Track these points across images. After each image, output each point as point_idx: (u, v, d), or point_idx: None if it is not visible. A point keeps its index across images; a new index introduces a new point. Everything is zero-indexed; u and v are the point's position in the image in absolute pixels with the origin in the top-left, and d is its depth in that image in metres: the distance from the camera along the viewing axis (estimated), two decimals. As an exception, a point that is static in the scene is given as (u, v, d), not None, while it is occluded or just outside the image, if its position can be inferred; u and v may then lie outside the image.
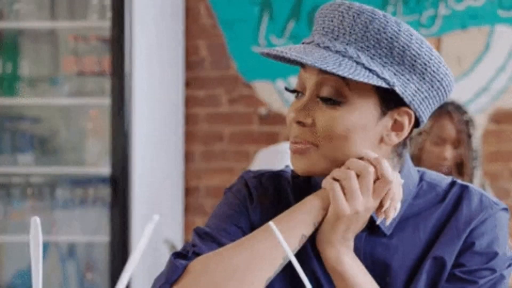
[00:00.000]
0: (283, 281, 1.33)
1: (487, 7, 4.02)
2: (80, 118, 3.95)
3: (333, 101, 1.29)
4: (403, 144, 1.35)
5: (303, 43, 1.34)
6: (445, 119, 2.94)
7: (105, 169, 3.74)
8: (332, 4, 1.32)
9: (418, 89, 1.30)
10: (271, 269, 1.27)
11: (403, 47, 1.28)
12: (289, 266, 1.28)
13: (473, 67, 4.03)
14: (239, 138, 4.17)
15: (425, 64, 1.29)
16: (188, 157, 4.21)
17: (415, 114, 1.32)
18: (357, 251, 1.32)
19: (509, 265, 1.34)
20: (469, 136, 2.93)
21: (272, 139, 4.08)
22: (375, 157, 1.29)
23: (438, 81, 1.31)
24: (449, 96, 1.37)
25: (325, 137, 1.29)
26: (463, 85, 4.00)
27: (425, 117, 1.33)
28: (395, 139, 1.32)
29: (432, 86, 1.31)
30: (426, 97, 1.31)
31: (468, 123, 2.94)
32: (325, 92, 1.29)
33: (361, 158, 1.30)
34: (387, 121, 1.31)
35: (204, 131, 4.20)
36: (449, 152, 2.92)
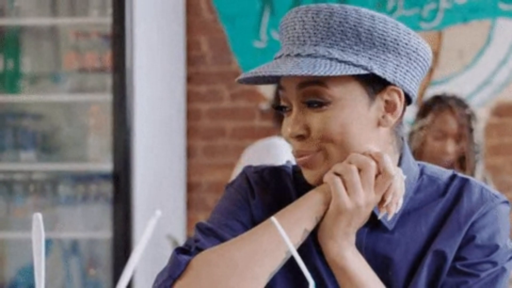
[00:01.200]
0: (285, 276, 1.33)
1: (488, 1, 4.02)
2: (82, 115, 3.95)
3: (320, 103, 1.30)
4: (400, 123, 1.36)
5: (274, 58, 1.35)
6: (446, 113, 2.94)
7: (107, 165, 3.75)
8: (290, 13, 1.34)
9: (397, 65, 1.31)
10: (274, 264, 1.28)
11: (368, 30, 1.29)
12: (291, 260, 1.29)
13: (475, 61, 4.03)
14: (241, 134, 4.17)
15: (395, 40, 1.30)
16: (190, 152, 4.21)
17: (403, 90, 1.32)
18: (359, 245, 1.33)
19: (510, 258, 1.34)
20: (471, 130, 2.93)
21: (273, 134, 4.08)
22: (377, 151, 1.29)
23: (414, 51, 1.32)
24: (431, 64, 1.37)
25: (324, 140, 1.30)
26: (464, 78, 4.00)
27: (414, 91, 1.34)
28: (391, 119, 1.33)
29: (410, 59, 1.32)
30: (407, 70, 1.32)
31: (469, 117, 2.94)
32: (309, 97, 1.30)
33: (363, 153, 1.30)
34: (379, 104, 1.32)
35: (206, 127, 4.20)
36: (451, 146, 2.92)
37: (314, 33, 1.30)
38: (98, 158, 3.88)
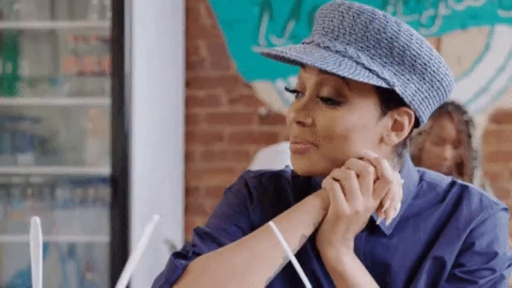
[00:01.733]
0: (283, 281, 1.33)
1: (487, 7, 4.03)
2: (80, 118, 3.95)
3: (333, 101, 1.29)
4: (403, 144, 1.35)
5: (303, 43, 1.34)
6: (445, 119, 2.94)
7: (105, 169, 3.74)
8: (332, 4, 1.32)
9: (418, 89, 1.30)
10: (271, 269, 1.27)
11: (403, 47, 1.28)
12: (289, 266, 1.28)
13: (473, 67, 4.03)
14: (239, 138, 4.17)
15: (425, 64, 1.29)
16: (188, 157, 4.21)
17: (415, 114, 1.32)
18: (357, 251, 1.32)
19: (509, 265, 1.34)
20: (469, 136, 2.93)
21: (272, 139, 4.08)
22: (375, 157, 1.29)
23: (438, 81, 1.31)
24: (449, 96, 1.37)
25: (325, 137, 1.30)
26: (463, 85, 4.00)
27: (425, 117, 1.33)
28: (395, 139, 1.32)
29: (432, 86, 1.31)
30: (426, 97, 1.31)
31: (468, 123, 2.94)
32: (325, 92, 1.29)
33: (361, 158, 1.30)
34: (387, 121, 1.31)
35: (204, 131, 4.20)
36: (449, 152, 2.92)
37: (350, 32, 1.29)
38: (96, 162, 3.88)
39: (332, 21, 1.30)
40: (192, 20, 4.21)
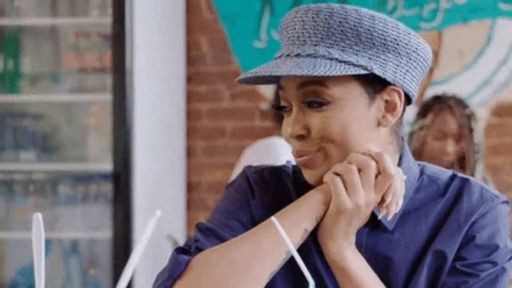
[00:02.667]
0: (285, 276, 1.33)
1: (489, 1, 4.02)
2: (82, 115, 3.95)
3: (319, 103, 1.30)
4: (399, 124, 1.36)
5: (274, 58, 1.35)
6: (446, 113, 2.93)
7: (107, 165, 3.75)
8: (290, 13, 1.34)
9: (397, 65, 1.31)
10: (274, 264, 1.27)
11: (368, 30, 1.29)
12: (291, 260, 1.28)
13: (475, 61, 4.03)
14: (241, 134, 4.17)
15: (395, 40, 1.30)
16: (190, 152, 4.21)
17: (403, 90, 1.32)
18: (359, 245, 1.33)
19: (510, 258, 1.34)
20: (471, 130, 2.93)
21: (273, 134, 4.08)
22: (377, 151, 1.29)
23: (414, 51, 1.32)
24: (430, 63, 1.37)
25: (324, 140, 1.30)
26: (464, 78, 4.00)
27: (414, 91, 1.34)
28: (391, 119, 1.33)
29: (410, 59, 1.32)
30: (407, 70, 1.32)
31: (469, 117, 2.94)
32: (309, 97, 1.30)
33: (363, 153, 1.30)
34: (379, 104, 1.32)
35: (206, 127, 4.20)
36: (451, 146, 2.92)
37: (314, 33, 1.30)
38: (98, 158, 3.88)
39: (294, 29, 1.32)
40: (193, 15, 4.21)
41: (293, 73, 1.26)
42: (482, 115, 3.86)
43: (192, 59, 4.20)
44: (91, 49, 3.89)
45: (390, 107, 1.33)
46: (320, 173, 1.32)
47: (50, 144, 3.96)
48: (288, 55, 1.31)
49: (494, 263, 1.32)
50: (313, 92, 1.30)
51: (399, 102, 1.33)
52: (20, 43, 3.97)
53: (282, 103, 1.35)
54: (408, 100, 1.35)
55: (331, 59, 1.28)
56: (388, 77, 1.30)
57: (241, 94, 4.17)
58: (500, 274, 1.32)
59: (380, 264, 1.33)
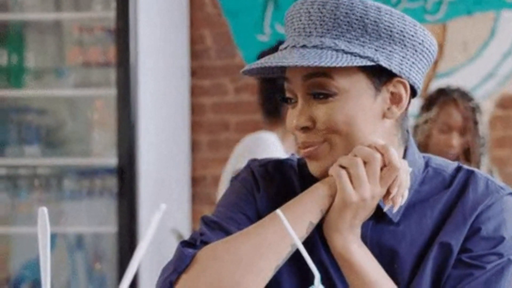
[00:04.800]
0: (291, 269, 1.33)
1: (493, -7, 4.01)
2: (86, 109, 3.95)
3: (325, 95, 1.30)
4: (405, 116, 1.35)
5: (280, 50, 1.34)
6: (451, 106, 2.93)
7: (111, 160, 3.75)
8: (296, 5, 1.34)
9: (403, 57, 1.31)
10: (279, 257, 1.27)
11: (375, 21, 1.29)
12: (296, 254, 1.28)
13: (479, 53, 4.02)
14: (245, 127, 4.17)
15: (401, 32, 1.30)
16: (194, 146, 4.21)
17: (408, 82, 1.32)
18: (364, 238, 1.32)
19: (516, 250, 1.34)
20: (476, 122, 2.93)
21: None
22: (382, 144, 1.29)
23: (420, 43, 1.32)
24: (435, 55, 1.37)
25: (329, 132, 1.30)
26: (469, 71, 3.99)
27: (419, 83, 1.34)
28: (396, 111, 1.33)
29: (416, 51, 1.32)
30: (413, 62, 1.32)
31: (474, 109, 2.94)
32: (315, 88, 1.30)
33: (369, 146, 1.30)
34: (384, 96, 1.32)
35: (210, 121, 4.20)
36: (456, 139, 2.92)
37: (320, 24, 1.30)
38: (102, 152, 3.88)
39: (300, 20, 1.32)
40: (196, 9, 4.20)
41: (299, 64, 1.26)
42: (486, 108, 3.86)
43: (196, 53, 4.20)
44: (95, 43, 3.89)
45: (395, 99, 1.32)
46: (325, 165, 1.31)
47: (55, 139, 3.96)
48: (294, 46, 1.31)
49: (500, 255, 1.31)
50: (319, 84, 1.30)
51: (405, 94, 1.33)
52: (24, 38, 3.97)
53: (287, 95, 1.34)
54: (413, 92, 1.35)
55: (337, 50, 1.28)
56: (394, 68, 1.30)
57: (245, 88, 4.17)
58: (506, 265, 1.32)
59: (386, 256, 1.33)
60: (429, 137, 2.94)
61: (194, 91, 4.20)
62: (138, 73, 3.70)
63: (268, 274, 1.27)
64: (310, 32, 1.31)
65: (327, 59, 1.26)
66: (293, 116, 1.32)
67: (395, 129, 1.35)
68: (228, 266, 1.26)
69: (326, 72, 1.29)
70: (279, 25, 4.13)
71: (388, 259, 1.33)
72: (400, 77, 1.31)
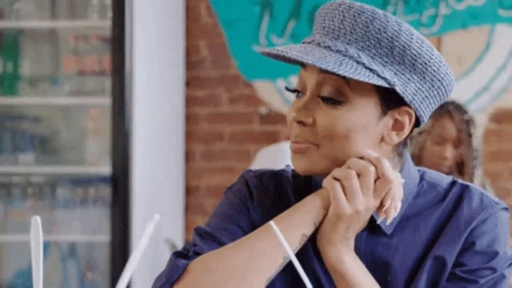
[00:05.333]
0: (283, 280, 1.33)
1: (488, 7, 4.02)
2: (81, 118, 3.95)
3: (334, 101, 1.29)
4: (404, 143, 1.35)
5: (303, 42, 1.34)
6: (445, 119, 2.94)
7: (105, 169, 3.75)
8: (332, 4, 1.32)
9: (419, 88, 1.30)
10: (272, 269, 1.27)
11: (403, 46, 1.28)
12: (289, 265, 1.28)
13: (474, 67, 4.03)
14: (240, 138, 4.17)
15: (425, 64, 1.29)
16: (188, 156, 4.21)
17: (415, 113, 1.32)
18: (358, 250, 1.32)
19: (509, 265, 1.34)
20: (470, 135, 2.93)
21: (272, 138, 4.08)
22: (375, 156, 1.29)
23: (439, 80, 1.31)
24: (450, 96, 1.37)
25: (325, 137, 1.30)
26: (463, 84, 4.00)
27: (425, 117, 1.34)
28: (395, 138, 1.32)
29: (433, 86, 1.31)
30: (426, 96, 1.31)
31: (468, 122, 2.94)
32: (326, 91, 1.30)
33: (362, 158, 1.30)
34: (388, 120, 1.31)
35: (205, 131, 4.20)
36: (449, 152, 2.92)
37: (351, 32, 1.29)
38: (96, 161, 3.88)
39: (332, 21, 1.31)
40: (192, 19, 4.21)
41: (318, 65, 1.25)
42: (480, 121, 3.87)
43: (191, 63, 4.20)
44: (90, 52, 3.89)
45: (397, 126, 1.32)
46: (309, 161, 1.31)
47: (49, 147, 3.96)
48: (319, 44, 1.30)
49: (494, 270, 1.32)
50: (331, 88, 1.29)
51: (408, 124, 1.32)
52: (19, 45, 3.97)
53: (297, 87, 1.34)
54: (417, 123, 1.34)
55: (358, 62, 1.28)
56: (407, 97, 1.30)
57: (240, 98, 4.17)
58: (499, 280, 1.32)
59: (379, 269, 1.33)
60: (423, 148, 2.95)
61: (189, 101, 4.20)
62: (133, 82, 3.70)
63: (260, 286, 1.27)
64: (338, 35, 1.30)
65: (346, 69, 1.26)
66: (296, 107, 1.32)
67: (392, 154, 1.34)
68: (221, 277, 1.26)
69: (342, 80, 1.28)
70: (274, 36, 4.13)
71: (381, 272, 1.33)
72: (409, 107, 1.31)
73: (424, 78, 1.30)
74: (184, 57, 4.19)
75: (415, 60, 1.29)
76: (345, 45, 1.29)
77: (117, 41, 3.69)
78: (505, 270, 1.33)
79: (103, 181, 3.80)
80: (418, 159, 2.90)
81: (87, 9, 3.90)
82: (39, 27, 3.97)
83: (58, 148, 3.95)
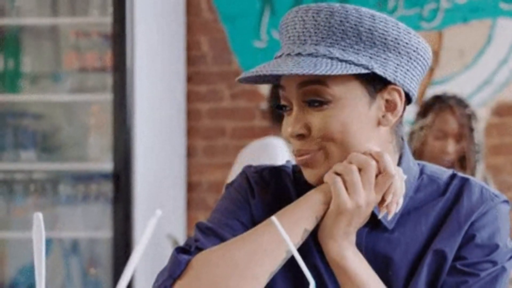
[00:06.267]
0: (285, 275, 1.33)
1: (489, 0, 4.02)
2: (82, 114, 3.95)
3: (320, 102, 1.30)
4: (399, 123, 1.36)
5: (275, 57, 1.34)
6: (447, 113, 2.93)
7: (107, 165, 3.75)
8: (290, 13, 1.34)
9: (398, 64, 1.31)
10: (274, 264, 1.27)
11: (369, 29, 1.29)
12: (291, 260, 1.28)
13: (475, 61, 4.03)
14: (241, 133, 4.17)
15: (396, 39, 1.30)
16: (190, 152, 4.21)
17: (403, 89, 1.32)
18: (359, 245, 1.33)
19: (510, 258, 1.34)
20: (471, 129, 2.93)
21: (273, 134, 4.08)
22: (377, 151, 1.29)
23: (414, 51, 1.32)
24: (430, 62, 1.37)
25: (325, 139, 1.30)
26: (465, 78, 4.00)
27: (414, 90, 1.34)
28: (391, 118, 1.33)
29: (410, 58, 1.32)
30: (408, 69, 1.32)
31: (470, 116, 2.94)
32: (309, 96, 1.30)
33: (364, 153, 1.30)
34: (379, 103, 1.32)
35: (206, 126, 4.20)
36: (451, 146, 2.92)
37: (315, 33, 1.30)
38: (98, 157, 3.88)
39: (295, 28, 1.32)
40: (193, 15, 4.21)
41: (294, 72, 1.26)
42: (482, 115, 3.86)
43: (192, 59, 4.20)
44: (91, 48, 3.89)
45: (390, 106, 1.33)
46: (320, 172, 1.32)
47: (51, 144, 3.96)
48: (289, 54, 1.31)
49: (494, 263, 1.32)
50: (314, 91, 1.30)
51: (400, 101, 1.33)
52: (20, 42, 3.97)
53: (282, 103, 1.35)
54: (408, 99, 1.35)
55: (332, 58, 1.28)
56: (389, 76, 1.30)
57: (241, 94, 4.17)
58: (500, 273, 1.32)
59: (380, 263, 1.33)
60: (425, 143, 2.94)
61: (190, 97, 4.20)
62: (134, 78, 3.70)
63: (262, 281, 1.27)
64: (304, 40, 1.31)
65: (322, 67, 1.27)
66: (289, 123, 1.33)
67: (390, 136, 1.35)
68: (223, 273, 1.26)
69: (321, 80, 1.29)
70: (275, 31, 4.13)
71: (382, 266, 1.33)
72: (395, 84, 1.32)
73: (399, 53, 1.31)
74: (185, 52, 4.19)
75: (385, 39, 1.29)
76: (314, 47, 1.29)
77: (118, 37, 3.69)
78: (505, 263, 1.33)
79: (105, 177, 3.81)
80: (419, 154, 2.90)
81: (87, 6, 3.90)
82: (40, 24, 3.97)
83: (60, 145, 3.95)
